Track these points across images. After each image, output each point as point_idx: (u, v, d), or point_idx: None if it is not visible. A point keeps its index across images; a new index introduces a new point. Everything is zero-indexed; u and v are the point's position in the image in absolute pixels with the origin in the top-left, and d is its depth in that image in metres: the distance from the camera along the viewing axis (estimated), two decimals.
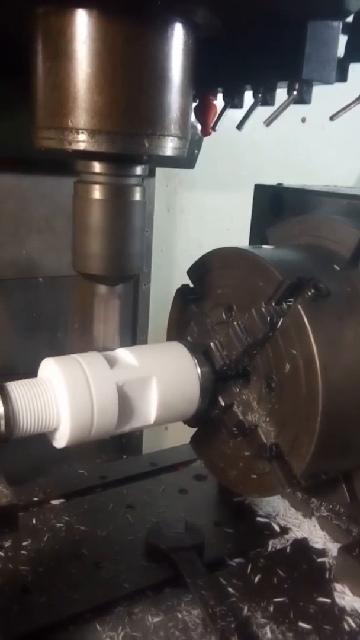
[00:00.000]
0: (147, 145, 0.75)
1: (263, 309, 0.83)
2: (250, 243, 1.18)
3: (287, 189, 1.13)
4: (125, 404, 0.79)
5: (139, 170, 0.82)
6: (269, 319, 0.82)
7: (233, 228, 2.08)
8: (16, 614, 0.88)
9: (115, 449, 1.68)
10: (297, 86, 0.82)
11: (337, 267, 0.88)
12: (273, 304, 0.83)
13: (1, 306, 1.51)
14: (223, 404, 0.88)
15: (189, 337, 0.96)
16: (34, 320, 1.55)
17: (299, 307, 0.80)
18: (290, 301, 0.82)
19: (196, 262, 0.99)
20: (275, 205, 1.13)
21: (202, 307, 0.97)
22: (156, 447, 1.64)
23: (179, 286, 1.01)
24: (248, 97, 0.96)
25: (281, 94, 0.88)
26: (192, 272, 1.00)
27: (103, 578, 0.96)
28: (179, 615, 0.89)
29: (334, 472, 0.90)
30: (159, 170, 1.83)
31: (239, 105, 0.98)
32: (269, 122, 0.87)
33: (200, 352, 0.89)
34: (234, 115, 0.99)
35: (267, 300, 0.83)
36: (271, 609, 0.91)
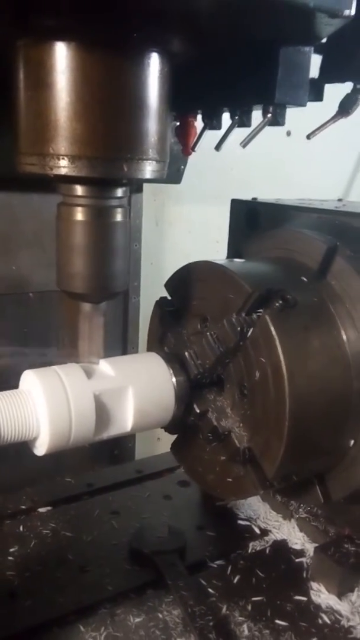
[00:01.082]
0: (126, 169, 0.78)
1: (234, 319, 0.87)
2: (227, 256, 1.22)
3: (262, 204, 1.18)
4: (103, 413, 0.83)
5: (119, 192, 0.84)
6: (239, 329, 0.86)
7: (221, 240, 2.13)
8: (3, 616, 0.91)
9: (109, 461, 1.71)
10: (271, 109, 0.86)
11: (305, 279, 0.92)
12: (243, 315, 0.87)
13: None
14: (198, 410, 0.92)
15: (166, 348, 1.00)
16: (25, 335, 1.58)
17: (267, 317, 0.84)
18: (259, 312, 0.86)
19: (173, 275, 1.03)
20: (250, 220, 1.18)
21: (179, 319, 1.01)
22: None
23: None
24: (227, 118, 0.99)
25: (258, 114, 0.90)
26: (170, 284, 1.04)
27: (87, 581, 1.00)
28: (160, 616, 0.93)
29: (305, 473, 0.94)
30: (147, 186, 1.87)
31: (217, 126, 1.02)
32: (245, 143, 0.91)
33: (176, 362, 0.93)
34: (220, 132, 1.01)
35: (238, 311, 0.88)
36: (249, 607, 0.95)
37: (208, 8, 0.68)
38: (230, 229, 1.22)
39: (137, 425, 0.87)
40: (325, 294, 0.91)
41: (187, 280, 1.00)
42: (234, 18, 0.72)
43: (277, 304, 0.85)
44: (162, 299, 1.05)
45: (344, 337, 0.88)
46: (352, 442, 0.90)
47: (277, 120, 0.87)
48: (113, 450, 1.83)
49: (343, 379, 0.87)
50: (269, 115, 0.86)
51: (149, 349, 1.08)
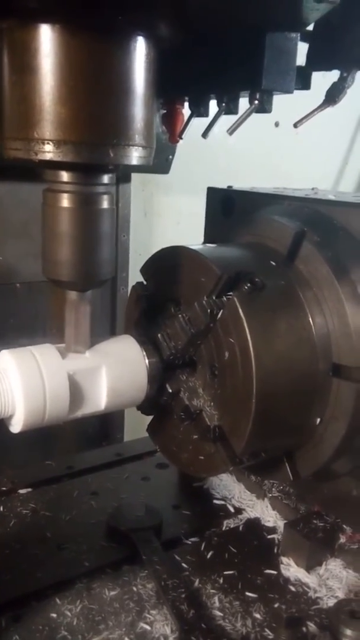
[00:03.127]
0: (112, 154, 0.77)
1: (204, 302, 0.90)
2: (203, 243, 1.25)
3: (236, 192, 1.20)
4: (77, 392, 0.86)
5: (106, 178, 0.84)
6: (209, 311, 0.89)
7: None
8: None
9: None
10: (257, 96, 0.86)
11: (274, 263, 0.95)
12: (213, 297, 0.90)
13: None
14: (170, 390, 0.95)
15: (141, 330, 1.02)
16: (12, 326, 1.59)
17: (235, 299, 0.87)
18: (229, 295, 0.89)
19: (148, 261, 1.06)
20: (225, 207, 1.20)
21: (153, 302, 1.04)
22: None
23: None
24: (214, 105, 1.00)
25: (245, 102, 0.91)
26: (145, 270, 1.07)
27: (65, 558, 1.03)
28: (134, 589, 0.96)
29: (274, 451, 0.97)
30: (135, 176, 1.88)
31: (205, 113, 1.02)
32: (231, 130, 0.91)
33: (149, 344, 0.96)
34: (208, 121, 1.02)
35: (208, 294, 0.91)
36: (221, 581, 0.98)
37: None
38: (206, 216, 1.25)
39: (111, 404, 0.90)
40: (293, 278, 0.94)
41: (161, 265, 1.03)
42: (220, 1, 0.71)
43: (245, 287, 0.88)
44: (138, 283, 1.08)
45: (310, 319, 0.92)
46: (318, 420, 0.93)
47: (264, 107, 0.87)
48: (102, 442, 1.86)
49: (309, 360, 0.91)
50: (256, 102, 0.86)
51: (125, 332, 1.10)
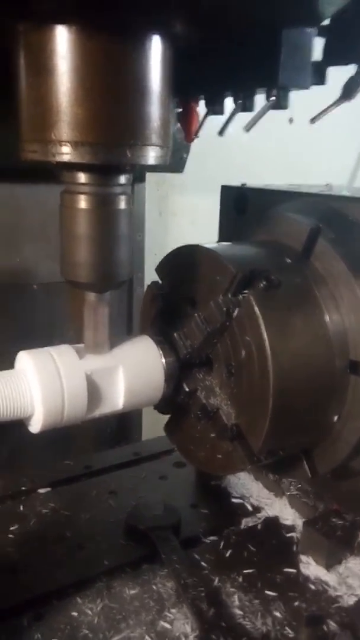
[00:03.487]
0: (129, 155, 0.77)
1: (220, 300, 0.90)
2: (218, 241, 1.25)
3: (250, 189, 1.20)
4: (94, 392, 0.87)
5: (123, 179, 0.84)
6: (225, 309, 0.89)
7: None
8: (3, 590, 0.95)
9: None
10: (274, 92, 0.85)
11: (289, 261, 0.95)
12: (229, 296, 0.90)
13: None
14: (187, 389, 0.96)
15: (156, 330, 1.03)
16: (29, 327, 1.59)
17: (251, 297, 0.87)
18: (245, 293, 0.89)
19: (163, 260, 1.06)
20: (239, 205, 1.20)
21: (169, 301, 1.04)
22: None
23: None
24: (229, 103, 0.99)
25: (261, 98, 0.90)
26: (160, 269, 1.07)
27: (85, 557, 1.03)
28: (154, 588, 0.96)
29: (291, 448, 0.97)
30: (149, 175, 1.87)
31: (220, 112, 1.01)
32: (248, 127, 0.91)
33: (166, 343, 0.96)
34: (223, 119, 1.02)
35: (224, 292, 0.90)
36: (240, 579, 0.98)
37: None
38: (220, 215, 1.25)
39: (129, 403, 0.90)
40: (308, 275, 0.94)
41: (176, 264, 1.03)
42: None
43: (261, 285, 0.88)
44: (153, 282, 1.08)
45: (327, 316, 0.91)
46: (336, 417, 0.93)
47: (280, 103, 0.86)
48: (120, 443, 1.86)
49: (326, 357, 0.90)
50: (272, 98, 0.86)
51: (141, 331, 1.11)
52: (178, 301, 1.03)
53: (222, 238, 1.24)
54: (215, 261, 0.93)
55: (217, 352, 0.95)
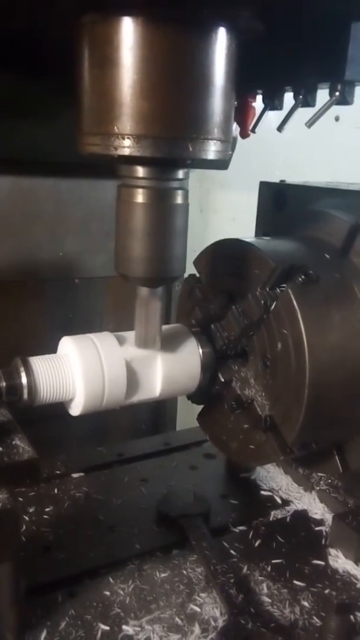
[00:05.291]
0: (191, 149, 0.76)
1: (258, 293, 0.91)
2: (255, 236, 1.26)
3: (289, 186, 1.21)
4: (133, 378, 0.89)
5: (181, 174, 0.83)
6: (263, 302, 0.91)
7: None
8: (39, 567, 0.98)
9: None
10: (339, 87, 0.83)
11: (328, 256, 0.96)
12: (267, 289, 0.91)
13: (39, 306, 1.56)
14: (222, 380, 0.97)
15: (193, 321, 1.05)
16: (70, 320, 1.61)
17: (290, 291, 0.88)
18: (283, 286, 0.91)
19: (201, 253, 1.08)
20: (278, 201, 1.21)
21: (206, 294, 1.06)
22: None
23: None
24: (287, 98, 0.97)
25: (321, 95, 0.90)
26: (197, 262, 1.09)
27: (117, 539, 1.06)
28: (184, 572, 0.98)
29: (324, 442, 0.98)
30: (191, 171, 1.88)
31: (279, 106, 0.99)
32: (310, 123, 0.89)
33: (203, 334, 0.98)
34: (267, 115, 1.01)
35: (262, 286, 0.92)
36: (269, 568, 1.00)
37: None
38: (258, 211, 1.26)
39: (165, 391, 0.93)
40: (347, 271, 0.95)
41: (214, 258, 1.05)
42: None
43: (299, 279, 0.89)
44: (191, 275, 1.10)
45: None
46: None
47: (345, 98, 0.85)
48: (156, 431, 1.88)
49: None
50: (337, 93, 0.84)
51: (178, 322, 1.13)
52: (215, 294, 1.05)
53: (259, 233, 1.25)
54: (254, 255, 0.94)
55: (253, 344, 0.97)
